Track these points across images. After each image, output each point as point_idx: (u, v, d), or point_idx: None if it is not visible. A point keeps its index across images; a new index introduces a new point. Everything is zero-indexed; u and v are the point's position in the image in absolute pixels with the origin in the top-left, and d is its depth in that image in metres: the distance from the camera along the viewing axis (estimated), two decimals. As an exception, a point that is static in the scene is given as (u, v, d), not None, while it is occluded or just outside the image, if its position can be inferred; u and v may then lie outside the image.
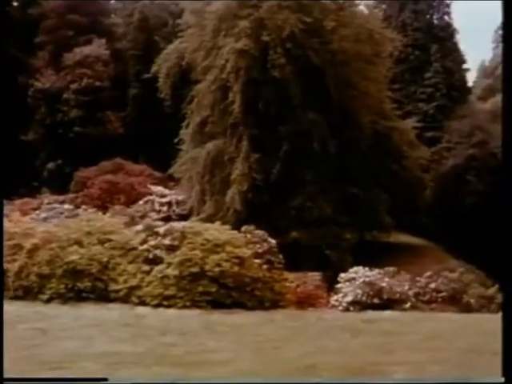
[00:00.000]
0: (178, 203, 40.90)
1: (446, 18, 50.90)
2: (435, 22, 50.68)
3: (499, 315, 23.33)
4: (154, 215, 39.66)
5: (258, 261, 24.02)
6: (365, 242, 37.27)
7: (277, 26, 33.08)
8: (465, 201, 41.15)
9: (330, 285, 26.53)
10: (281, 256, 24.90)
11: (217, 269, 22.94)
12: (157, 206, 40.67)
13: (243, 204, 34.23)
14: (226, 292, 23.21)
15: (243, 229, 25.29)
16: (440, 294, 24.95)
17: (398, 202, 37.86)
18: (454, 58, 49.97)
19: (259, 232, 24.85)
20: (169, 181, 45.00)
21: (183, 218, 39.42)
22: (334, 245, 33.95)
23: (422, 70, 48.79)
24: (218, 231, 24.30)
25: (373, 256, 35.23)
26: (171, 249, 23.96)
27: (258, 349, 15.61)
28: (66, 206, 37.74)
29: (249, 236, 24.45)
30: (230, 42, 33.69)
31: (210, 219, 35.16)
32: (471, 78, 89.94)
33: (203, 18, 36.33)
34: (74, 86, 51.97)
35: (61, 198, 43.63)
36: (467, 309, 24.57)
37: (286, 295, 24.09)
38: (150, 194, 41.77)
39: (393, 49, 37.60)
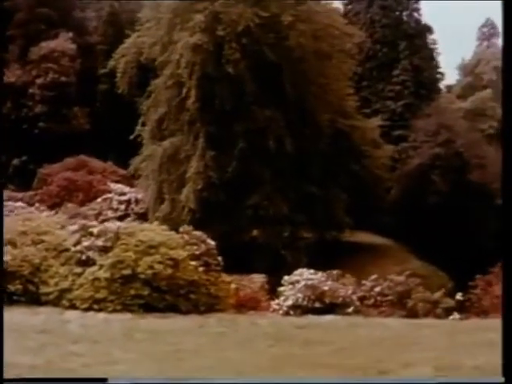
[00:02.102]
0: (136, 201, 40.05)
1: (415, 14, 50.10)
2: (404, 18, 49.85)
3: (441, 321, 22.68)
4: (110, 213, 38.83)
5: (194, 263, 23.04)
6: (324, 241, 36.52)
7: (232, 20, 32.27)
8: (428, 200, 40.47)
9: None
10: (219, 258, 23.98)
11: (149, 271, 21.99)
12: (115, 204, 39.81)
13: (198, 203, 33.51)
14: (159, 295, 22.27)
15: (181, 229, 24.38)
16: (385, 298, 24.11)
17: (362, 202, 37.12)
18: (422, 55, 49.13)
19: (197, 233, 23.94)
20: (133, 178, 43.98)
21: (141, 216, 38.64)
22: (290, 244, 33.23)
23: (391, 68, 48.00)
24: (153, 232, 23.36)
25: (332, 256, 34.55)
26: (104, 250, 22.99)
27: (161, 359, 14.74)
28: (18, 204, 36.71)
29: (186, 237, 23.52)
30: (184, 36, 32.87)
31: (166, 218, 34.49)
32: (452, 76, 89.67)
33: (159, 12, 35.48)
34: (39, 81, 50.98)
35: (19, 195, 42.65)
36: (413, 313, 23.73)
37: (224, 298, 23.18)
38: (109, 192, 40.92)
39: (353, 45, 36.72)
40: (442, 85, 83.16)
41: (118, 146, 51.02)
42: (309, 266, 28.64)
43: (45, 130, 50.52)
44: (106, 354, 15.67)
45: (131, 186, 42.04)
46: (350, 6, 47.59)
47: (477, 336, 15.75)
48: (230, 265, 29.58)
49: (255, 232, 33.07)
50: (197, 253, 23.18)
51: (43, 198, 41.50)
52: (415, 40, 49.10)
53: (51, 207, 39.20)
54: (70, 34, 53.30)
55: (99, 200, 40.18)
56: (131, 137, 36.24)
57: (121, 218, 38.31)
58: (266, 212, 32.97)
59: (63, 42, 52.54)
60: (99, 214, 38.34)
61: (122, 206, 39.80)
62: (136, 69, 37.75)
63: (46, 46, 51.72)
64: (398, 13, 49.45)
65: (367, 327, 20.39)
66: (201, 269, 23.21)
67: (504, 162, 9.56)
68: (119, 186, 41.44)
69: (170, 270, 22.33)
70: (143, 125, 36.44)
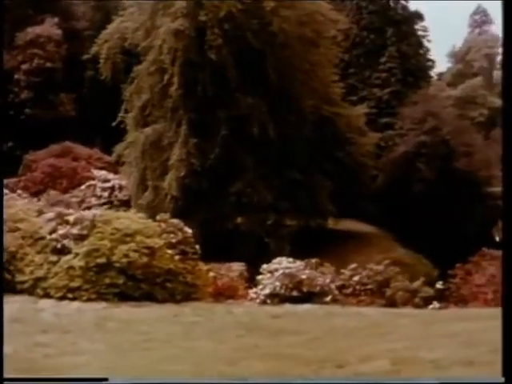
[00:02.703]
0: (120, 188, 39.75)
1: (402, 1, 49.66)
2: (391, 4, 49.38)
3: (419, 310, 22.50)
4: (94, 201, 38.59)
5: (171, 251, 22.78)
6: (308, 229, 36.33)
7: (214, 5, 31.88)
8: (414, 188, 40.27)
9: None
10: (197, 246, 23.71)
11: (124, 260, 21.73)
12: (98, 192, 39.51)
13: (181, 190, 33.25)
14: (135, 284, 22.01)
15: (158, 217, 24.11)
16: (364, 287, 23.92)
17: (347, 189, 36.90)
18: (410, 42, 48.75)
19: (174, 221, 23.67)
20: (119, 165, 43.70)
21: (125, 203, 38.41)
22: (273, 232, 33.02)
23: (378, 55, 47.59)
24: (129, 220, 23.08)
25: (316, 244, 34.40)
26: (80, 238, 22.73)
27: (128, 350, 14.53)
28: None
29: (163, 225, 23.25)
30: (166, 21, 32.49)
31: (149, 206, 34.31)
32: (444, 63, 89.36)
33: (143, -3, 35.09)
34: (24, 67, 50.57)
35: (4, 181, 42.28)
36: (392, 303, 23.56)
37: (201, 287, 22.95)
38: (93, 179, 40.62)
39: (338, 31, 36.37)
40: (433, 72, 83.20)
41: (105, 133, 50.64)
42: (292, 254, 28.51)
43: (31, 116, 50.16)
44: (73, 344, 15.46)
45: (116, 172, 41.73)
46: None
47: (450, 327, 15.54)
48: (213, 252, 29.39)
49: (239, 219, 32.80)
50: (173, 241, 22.93)
51: (27, 185, 41.16)
52: (402, 26, 48.70)
53: (35, 194, 38.91)
54: (56, 20, 52.78)
55: (83, 187, 39.91)
56: (114, 123, 35.78)
57: (104, 205, 38.19)
58: (249, 199, 32.71)
59: (49, 28, 52.07)
60: (82, 201, 38.10)
61: (106, 193, 39.51)
62: (120, 54, 37.24)
63: (32, 31, 51.27)
64: (384, -1, 49.11)
65: (344, 316, 20.19)
66: (177, 257, 22.91)
67: (504, 161, 9.38)
68: (103, 173, 41.15)
69: (145, 259, 22.07)
70: (126, 111, 36.04)
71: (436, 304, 23.63)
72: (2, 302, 17.45)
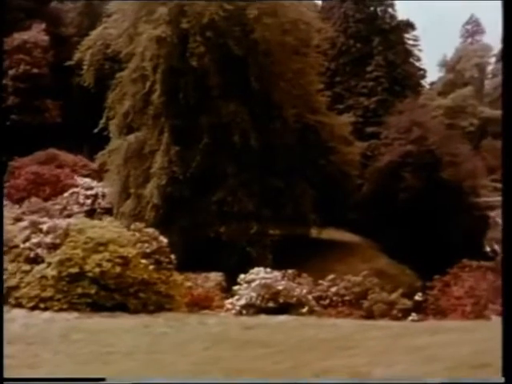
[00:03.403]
0: (104, 196, 39.47)
1: (389, 10, 49.50)
2: (379, 13, 49.24)
3: (395, 323, 22.20)
4: (76, 208, 38.28)
5: (145, 261, 22.44)
6: (291, 238, 36.03)
7: (196, 12, 31.69)
8: (399, 197, 40.03)
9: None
10: (172, 256, 23.36)
11: (97, 269, 21.36)
12: (81, 199, 39.23)
13: (162, 198, 33.04)
14: (107, 294, 21.63)
15: (132, 226, 23.79)
16: (342, 299, 23.62)
17: (330, 198, 36.65)
18: (397, 51, 48.58)
19: (149, 230, 23.34)
20: (104, 172, 43.40)
21: (108, 211, 38.11)
22: (255, 241, 32.74)
23: (364, 63, 47.42)
24: (103, 229, 22.71)
25: (299, 254, 34.11)
26: (53, 247, 22.37)
27: (87, 363, 14.18)
28: (-18, 198, 36.00)
29: (138, 234, 22.91)
30: (148, 28, 32.26)
31: (130, 214, 34.08)
32: (436, 73, 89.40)
33: (126, 3, 34.83)
34: (11, 72, 50.23)
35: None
36: (370, 314, 23.28)
37: (176, 297, 22.61)
38: (77, 186, 40.34)
39: (322, 40, 36.19)
40: (425, 81, 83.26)
41: (92, 140, 50.37)
42: (274, 264, 28.29)
43: (17, 122, 49.82)
44: (35, 356, 15.11)
45: (101, 180, 41.49)
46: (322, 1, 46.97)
47: (420, 340, 15.24)
48: (195, 261, 29.16)
49: (220, 228, 32.54)
50: (148, 251, 22.57)
51: (10, 192, 40.76)
52: (390, 35, 48.56)
53: (18, 201, 38.53)
54: (43, 26, 52.57)
55: (66, 194, 39.59)
56: (95, 130, 35.56)
57: (87, 213, 37.85)
58: (231, 208, 32.49)
59: (36, 34, 51.85)
60: (64, 208, 37.78)
61: (89, 201, 39.24)
62: (103, 61, 37.05)
63: (19, 36, 51.03)
64: (372, 8, 48.86)
65: (317, 328, 19.84)
66: (152, 267, 22.57)
67: (504, 161, 9.18)
68: (86, 181, 40.89)
69: (118, 268, 21.70)
70: (108, 118, 35.77)
71: (415, 316, 23.37)
72: (2, 302, 17.22)
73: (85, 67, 37.40)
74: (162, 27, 31.64)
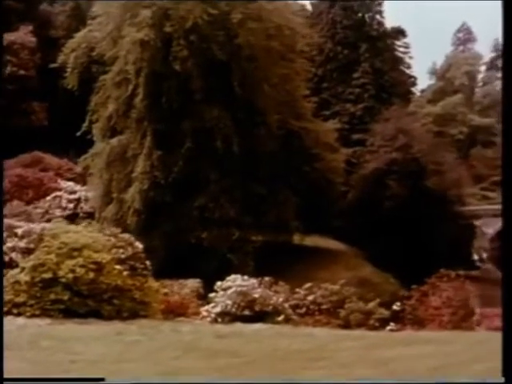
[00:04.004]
0: (86, 200, 39.14)
1: (377, 16, 49.35)
2: (367, 20, 49.10)
3: (371, 333, 21.94)
4: (58, 212, 37.92)
5: (119, 267, 22.11)
6: (274, 245, 35.77)
7: (180, 16, 31.47)
8: (384, 205, 39.84)
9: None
10: (147, 262, 23.05)
11: (70, 275, 21.00)
12: (64, 203, 38.90)
13: (144, 203, 32.73)
14: (81, 300, 21.26)
15: (108, 232, 23.48)
16: (319, 307, 23.35)
17: (314, 205, 36.41)
18: (384, 58, 48.41)
19: (125, 235, 23.04)
20: (88, 176, 43.05)
21: (91, 215, 37.76)
22: (237, 248, 32.48)
23: (351, 70, 47.26)
24: (78, 234, 22.37)
25: (282, 261, 33.86)
26: (27, 252, 22.08)
27: (50, 372, 13.86)
28: (-36, 201, 35.61)
29: (113, 240, 22.59)
30: (132, 32, 32.00)
31: (112, 218, 33.81)
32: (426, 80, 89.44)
33: (110, 6, 34.58)
34: (-2, 74, 49.76)
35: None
36: (348, 323, 23.01)
37: (151, 304, 22.28)
38: (60, 190, 40.01)
39: (307, 45, 35.97)
40: (415, 89, 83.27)
41: (78, 143, 50.04)
42: (256, 270, 28.06)
43: (3, 125, 49.42)
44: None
45: (86, 184, 41.18)
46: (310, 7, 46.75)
47: (388, 353, 15.01)
48: (175, 267, 28.86)
49: (202, 234, 32.27)
50: (123, 256, 22.24)
51: (-7, 195, 40.42)
52: (377, 42, 48.43)
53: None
54: (31, 27, 52.29)
55: (48, 198, 39.26)
56: (78, 133, 35.26)
57: (69, 217, 37.49)
58: (212, 214, 32.24)
59: (23, 35, 51.58)
60: (46, 212, 37.45)
61: (71, 205, 38.93)
62: (89, 64, 36.75)
63: (6, 38, 50.64)
64: (360, 14, 48.69)
65: (291, 338, 19.51)
66: (126, 273, 22.24)
67: (504, 162, 9.02)
68: (70, 184, 40.58)
69: (92, 274, 21.34)
70: (91, 122, 35.47)
71: (393, 326, 23.12)
72: (2, 302, 16.92)
73: (69, 70, 37.01)
74: (146, 30, 31.40)
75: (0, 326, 11.19)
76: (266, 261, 32.04)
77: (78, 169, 44.21)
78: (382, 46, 48.94)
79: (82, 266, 21.38)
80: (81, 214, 38.45)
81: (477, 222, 50.40)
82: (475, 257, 55.63)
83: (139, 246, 23.27)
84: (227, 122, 32.02)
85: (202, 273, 29.04)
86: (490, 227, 51.57)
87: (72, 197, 39.21)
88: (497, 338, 18.46)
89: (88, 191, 39.06)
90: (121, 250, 22.51)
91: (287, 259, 34.77)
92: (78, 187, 40.24)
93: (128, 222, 33.06)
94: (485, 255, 52.96)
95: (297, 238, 38.23)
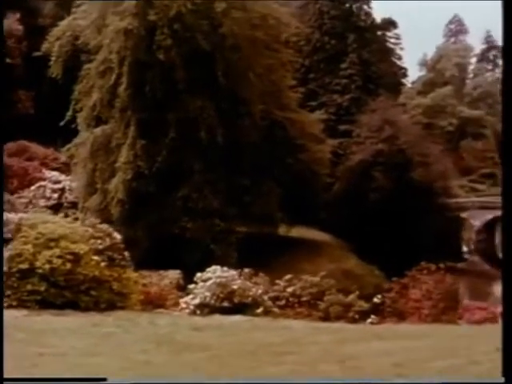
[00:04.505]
0: (71, 190, 38.89)
1: (365, 7, 49.10)
2: (354, 10, 48.82)
3: (350, 326, 21.82)
4: (43, 202, 37.67)
5: (97, 258, 21.92)
6: (258, 236, 35.63)
7: (164, 4, 31.23)
8: (370, 197, 39.72)
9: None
10: (126, 253, 22.87)
11: (47, 266, 20.80)
12: (48, 193, 38.64)
13: (127, 193, 32.53)
14: (58, 291, 21.07)
15: (87, 222, 23.30)
16: (298, 299, 23.21)
17: (299, 197, 36.26)
18: (372, 49, 48.16)
19: (103, 226, 22.83)
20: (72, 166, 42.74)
21: (75, 206, 37.59)
22: (220, 239, 32.32)
23: (338, 61, 47.00)
24: (56, 224, 22.18)
25: (267, 252, 33.74)
26: (5, 242, 21.82)
27: (17, 367, 13.66)
28: None
29: (91, 230, 22.40)
30: (115, 20, 31.71)
31: (96, 209, 33.63)
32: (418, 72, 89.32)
33: (94, -6, 34.31)
34: (-17, 62, 49.36)
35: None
36: (328, 316, 22.88)
37: (129, 295, 22.11)
38: (44, 180, 39.74)
39: (298, 36, 35.76)
40: (406, 80, 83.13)
41: (66, 132, 49.70)
42: (240, 262, 27.94)
43: (-12, 114, 49.01)
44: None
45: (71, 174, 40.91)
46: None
47: (361, 346, 14.92)
48: (159, 258, 28.70)
49: (181, 225, 32.08)
50: (101, 247, 22.05)
51: (-23, 184, 40.09)
52: (365, 33, 48.21)
53: (-16, 193, 37.89)
54: (18, 15, 51.85)
55: (33, 188, 38.98)
56: (61, 123, 34.99)
57: (53, 208, 37.26)
58: (196, 205, 32.07)
59: (10, 23, 51.06)
60: (30, 202, 37.20)
61: (56, 195, 38.68)
62: (76, 52, 36.42)
63: (-8, 25, 50.15)
64: (347, 5, 48.41)
65: (268, 331, 19.41)
66: (104, 264, 22.06)
67: (504, 162, 8.94)
68: (54, 174, 40.29)
69: (69, 265, 21.15)
70: (75, 111, 35.19)
71: (374, 318, 22.99)
72: (2, 303, 16.76)
73: (53, 58, 36.68)
74: (129, 19, 31.15)
75: (0, 326, 10.86)
76: (251, 252, 31.89)
77: (64, 158, 43.94)
78: (370, 36, 48.75)
79: (58, 257, 21.20)
80: (65, 204, 38.22)
81: (463, 214, 50.40)
82: (465, 248, 55.73)
83: (117, 236, 23.09)
84: (211, 112, 31.82)
85: (185, 264, 28.88)
86: (477, 219, 51.64)
87: (56, 187, 38.95)
88: (473, 332, 18.44)
89: (72, 181, 38.77)
90: (99, 241, 22.32)
91: (272, 251, 34.65)
92: (62, 177, 39.96)
93: (112, 212, 32.90)
94: (471, 247, 53.00)
95: (283, 230, 38.08)
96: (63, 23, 37.02)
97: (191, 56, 31.58)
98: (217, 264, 27.44)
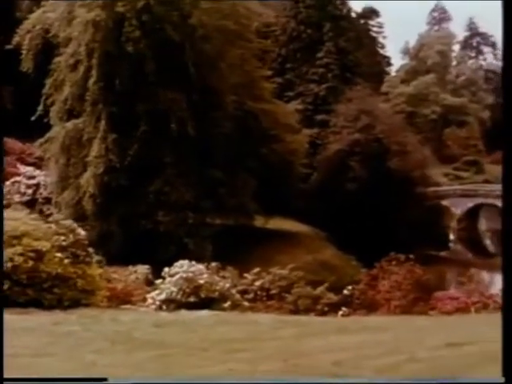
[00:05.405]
0: (46, 186, 38.42)
1: (341, -5, 48.72)
2: (330, -1, 48.44)
3: (317, 318, 21.52)
4: (17, 198, 37.19)
5: (60, 255, 21.51)
6: (234, 229, 35.30)
7: (132, -5, 30.70)
8: (347, 187, 39.42)
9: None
10: (90, 249, 22.47)
11: (9, 264, 20.43)
12: (22, 188, 38.14)
13: (99, 187, 32.15)
14: (20, 289, 20.70)
15: (50, 218, 22.91)
16: (267, 293, 22.90)
17: (274, 188, 35.92)
18: (348, 37, 47.76)
19: (66, 222, 22.40)
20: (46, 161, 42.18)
21: (50, 201, 37.16)
22: (194, 232, 31.98)
23: (315, 50, 46.56)
24: (18, 221, 21.74)
25: (244, 244, 33.43)
26: (-34, 240, 21.40)
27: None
28: None
29: (54, 227, 21.98)
30: (83, 12, 31.23)
31: (69, 204, 33.26)
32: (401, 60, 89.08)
33: (63, -14, 33.79)
34: (-42, 57, 48.75)
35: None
36: (297, 309, 22.59)
37: (94, 292, 21.73)
38: (19, 175, 39.24)
39: (264, 25, 35.33)
40: (389, 69, 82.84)
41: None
42: (216, 255, 27.66)
43: (-35, 109, 48.49)
44: None
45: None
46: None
47: (321, 341, 14.62)
48: (133, 253, 28.34)
49: (154, 219, 31.74)
50: (64, 244, 21.62)
51: (-50, 180, 39.61)
52: (341, 22, 47.76)
53: (-43, 189, 37.43)
54: (-6, 10, 51.12)
55: (7, 183, 38.43)
56: (33, 118, 34.52)
57: (28, 203, 36.82)
58: (168, 198, 31.71)
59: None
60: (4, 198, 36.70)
61: (30, 191, 38.14)
62: (42, 46, 35.89)
63: (-35, 19, 49.55)
64: (323, -7, 48.00)
65: (233, 325, 19.07)
66: (67, 261, 21.65)
67: (504, 162, 8.66)
68: (29, 169, 39.74)
69: (31, 263, 20.78)
70: (47, 105, 34.73)
71: (345, 311, 22.69)
72: (1, 303, 16.45)
73: (23, 52, 36.16)
74: (97, 11, 30.72)
75: (0, 326, 10.64)
76: (227, 245, 31.60)
77: (40, 153, 43.43)
78: (346, 25, 48.34)
79: (20, 255, 20.79)
80: (40, 200, 37.76)
81: (444, 203, 50.17)
82: (451, 236, 55.50)
83: (81, 232, 22.65)
84: (182, 104, 31.46)
85: (159, 258, 28.52)
86: (458, 207, 51.45)
87: (31, 182, 38.43)
88: (436, 324, 18.14)
89: (47, 176, 38.31)
90: (62, 238, 21.87)
91: (248, 243, 34.36)
92: (37, 172, 39.44)
93: (85, 206, 32.54)
94: (453, 236, 52.81)
95: (260, 222, 37.76)
96: (33, 16, 36.47)
97: (161, 47, 31.17)
98: (191, 258, 27.10)
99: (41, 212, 38.11)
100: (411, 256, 22.37)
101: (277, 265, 27.25)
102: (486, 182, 60.89)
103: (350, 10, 49.08)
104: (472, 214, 55.54)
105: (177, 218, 31.76)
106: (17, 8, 56.14)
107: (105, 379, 9.09)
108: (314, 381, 9.43)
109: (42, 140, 35.55)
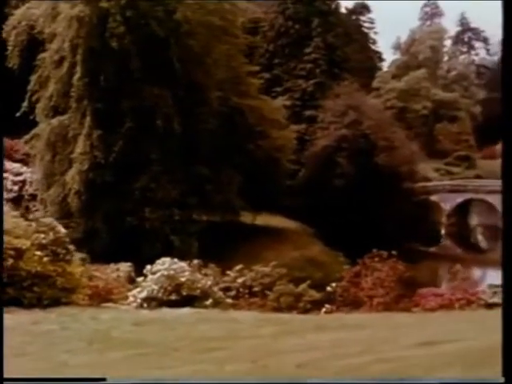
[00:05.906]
0: (32, 182, 38.24)
1: (329, -10, 48.53)
2: (318, -6, 48.25)
3: (300, 316, 21.39)
4: (4, 194, 36.98)
5: (40, 253, 21.34)
6: (221, 225, 35.14)
7: (116, -10, 30.49)
8: (334, 183, 39.29)
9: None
10: (70, 247, 22.26)
11: (-12, 262, 20.29)
12: (9, 185, 37.91)
13: (84, 184, 31.98)
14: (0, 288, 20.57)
15: (30, 216, 22.74)
16: (249, 290, 22.76)
17: (260, 184, 35.78)
18: (336, 33, 47.60)
19: (47, 220, 22.26)
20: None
21: (35, 198, 37.01)
22: (179, 229, 31.83)
23: (303, 45, 46.39)
24: (-3, 219, 21.60)
25: (230, 240, 33.28)
26: None
27: None
28: None
29: (34, 225, 21.81)
30: (66, 8, 31.02)
31: (55, 201, 33.11)
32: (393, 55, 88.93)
33: (47, -18, 33.56)
34: None
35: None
36: (280, 306, 22.45)
37: (74, 290, 21.55)
38: (6, 172, 38.97)
39: (250, 21, 35.17)
40: (380, 64, 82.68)
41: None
42: (203, 252, 27.52)
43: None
44: None
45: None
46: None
47: (298, 339, 14.50)
48: (119, 250, 28.17)
49: (139, 216, 31.60)
50: (44, 242, 21.44)
51: None
52: (329, 17, 47.59)
53: None
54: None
55: (-7, 179, 38.25)
56: (17, 114, 34.30)
57: (14, 200, 36.66)
58: (154, 194, 31.55)
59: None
60: (-10, 194, 36.52)
61: (16, 187, 37.97)
62: (28, 42, 35.71)
63: (-48, 16, 49.23)
64: (311, -12, 47.81)
65: (213, 323, 18.90)
66: (47, 259, 21.46)
67: (504, 162, 8.56)
68: (16, 166, 39.50)
69: (11, 261, 20.62)
70: (31, 102, 34.52)
71: (328, 308, 22.57)
72: (1, 302, 16.31)
73: (9, 48, 35.95)
74: (80, 6, 30.50)
75: (0, 326, 10.74)
76: (213, 242, 31.47)
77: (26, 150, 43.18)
78: (334, 20, 48.18)
79: None
80: (26, 197, 37.59)
81: (433, 198, 50.10)
82: (442, 231, 55.42)
83: (61, 230, 22.45)
84: (167, 100, 31.31)
85: (145, 255, 28.36)
86: (448, 203, 51.37)
87: (17, 179, 38.25)
88: (414, 322, 18.01)
89: (33, 173, 38.12)
90: (42, 235, 21.69)
91: (235, 240, 34.22)
92: (24, 169, 39.23)
93: (70, 203, 32.38)
94: (443, 231, 52.72)
95: (248, 218, 37.62)
96: (18, 12, 36.30)
97: (146, 43, 31.01)
98: (177, 255, 26.94)
99: (27, 209, 37.98)
100: (394, 252, 22.17)
101: (263, 261, 27.14)
102: (478, 177, 60.90)
103: (338, 5, 48.92)
104: (462, 210, 55.49)
105: (163, 214, 31.62)
106: (6, 4, 55.90)
107: (104, 379, 9.08)
108: (313, 381, 9.34)
109: (27, 137, 35.33)
